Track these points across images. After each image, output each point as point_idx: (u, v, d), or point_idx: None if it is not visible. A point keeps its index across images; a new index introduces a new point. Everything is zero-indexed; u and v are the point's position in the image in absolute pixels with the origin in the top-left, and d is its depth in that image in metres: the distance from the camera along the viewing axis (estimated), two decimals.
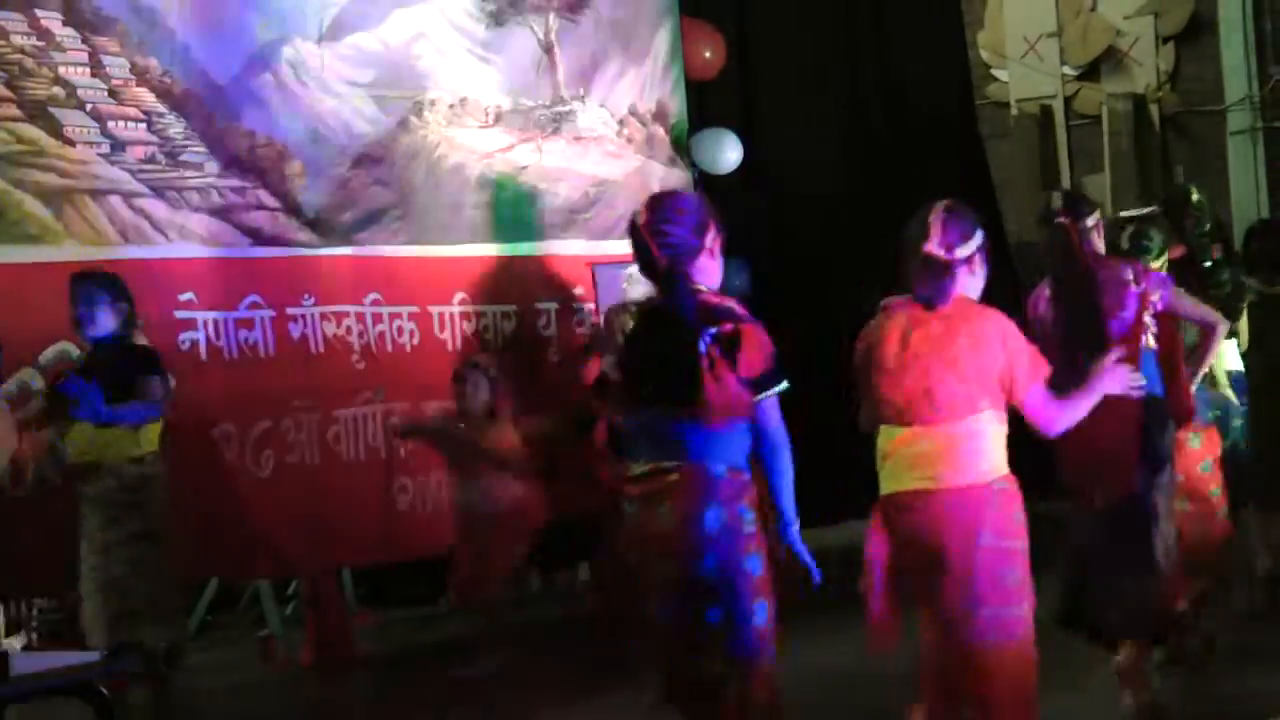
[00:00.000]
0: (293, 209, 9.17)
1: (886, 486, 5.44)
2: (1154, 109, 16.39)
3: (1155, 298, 6.82)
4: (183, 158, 8.71)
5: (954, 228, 5.44)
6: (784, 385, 5.10)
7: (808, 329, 10.97)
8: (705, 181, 11.32)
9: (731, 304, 5.19)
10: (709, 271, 5.23)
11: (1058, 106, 16.97)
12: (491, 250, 10.19)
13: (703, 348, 5.00)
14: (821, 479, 10.96)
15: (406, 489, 9.48)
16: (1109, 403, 5.58)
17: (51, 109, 8.21)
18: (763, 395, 5.06)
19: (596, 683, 8.30)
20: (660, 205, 5.28)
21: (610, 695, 8.04)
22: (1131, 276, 6.73)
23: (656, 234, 5.14)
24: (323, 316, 9.22)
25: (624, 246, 10.60)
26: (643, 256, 5.22)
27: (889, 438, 5.43)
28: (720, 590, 4.97)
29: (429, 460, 9.51)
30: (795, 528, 5.15)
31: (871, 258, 11.08)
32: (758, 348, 5.07)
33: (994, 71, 17.17)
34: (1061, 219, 6.69)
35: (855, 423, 5.63)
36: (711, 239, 5.24)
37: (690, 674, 5.09)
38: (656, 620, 5.11)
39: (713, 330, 5.03)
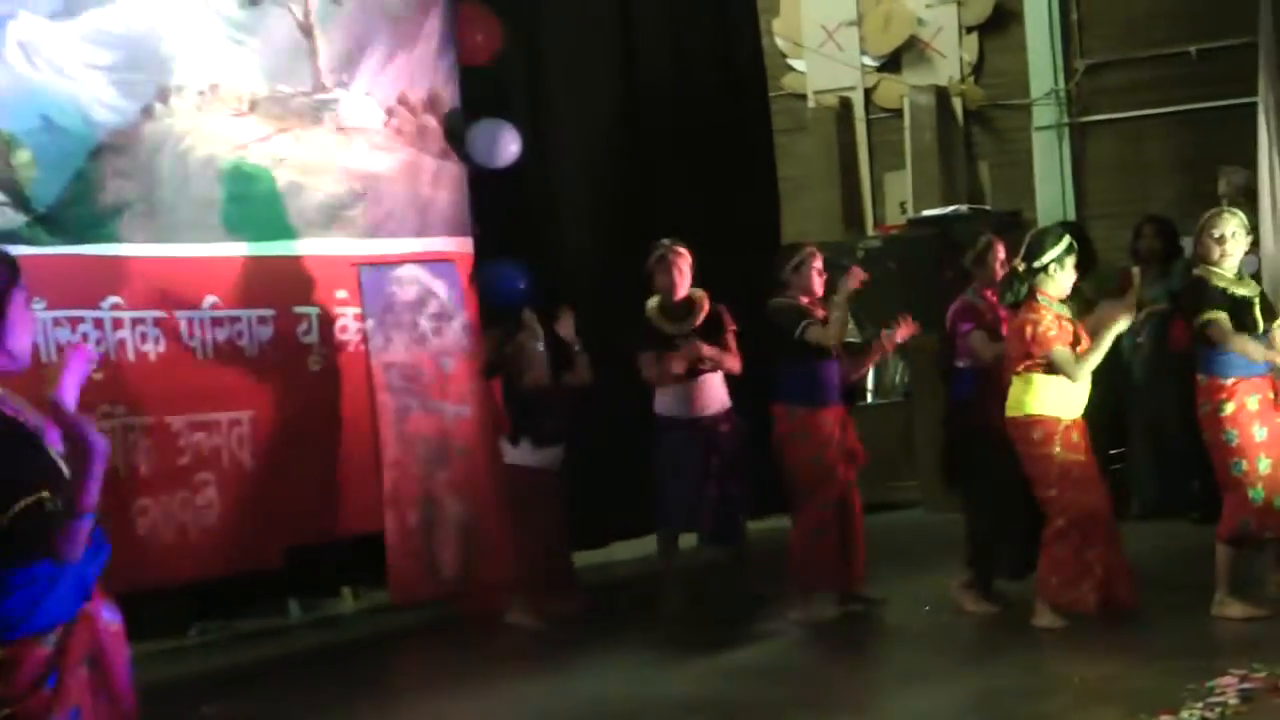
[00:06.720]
0: (21, 203, 8.51)
1: None
2: (958, 102, 16.13)
3: None
4: None
5: None
6: None
7: (584, 327, 10.41)
8: (481, 176, 10.68)
9: None
10: None
11: (857, 99, 16.63)
12: (246, 250, 9.53)
13: None
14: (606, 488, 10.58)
15: (147, 511, 8.77)
16: None
17: None
18: None
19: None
20: None
21: None
22: None
23: None
24: (55, 322, 8.52)
25: (392, 246, 10.11)
26: None
27: None
28: None
29: (174, 480, 8.88)
30: None
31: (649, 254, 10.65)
32: None
33: (790, 61, 16.79)
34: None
35: None
36: None
37: None
38: None
39: None
